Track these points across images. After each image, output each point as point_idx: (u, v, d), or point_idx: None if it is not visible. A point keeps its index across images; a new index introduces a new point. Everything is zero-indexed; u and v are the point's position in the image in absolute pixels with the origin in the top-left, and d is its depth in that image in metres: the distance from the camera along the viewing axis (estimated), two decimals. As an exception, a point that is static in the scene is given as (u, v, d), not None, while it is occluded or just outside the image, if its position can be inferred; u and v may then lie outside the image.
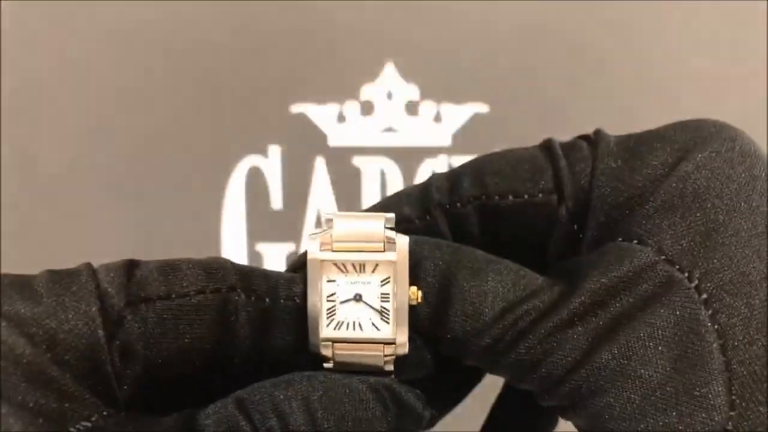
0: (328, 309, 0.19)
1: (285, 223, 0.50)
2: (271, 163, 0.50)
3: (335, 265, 0.19)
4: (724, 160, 0.19)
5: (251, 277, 0.19)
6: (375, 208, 0.23)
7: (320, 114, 0.50)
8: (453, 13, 0.50)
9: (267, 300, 0.19)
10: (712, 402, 0.17)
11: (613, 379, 0.18)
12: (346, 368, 0.19)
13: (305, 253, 0.19)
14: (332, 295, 0.19)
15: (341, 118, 0.50)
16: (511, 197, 0.21)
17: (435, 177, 0.22)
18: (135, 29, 0.48)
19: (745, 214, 0.19)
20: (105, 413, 0.17)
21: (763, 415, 0.17)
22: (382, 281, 0.19)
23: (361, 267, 0.19)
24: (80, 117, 0.49)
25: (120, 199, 0.49)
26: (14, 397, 0.16)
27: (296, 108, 0.50)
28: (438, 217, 0.22)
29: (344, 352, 0.19)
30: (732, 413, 0.17)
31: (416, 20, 0.50)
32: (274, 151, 0.50)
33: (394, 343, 0.19)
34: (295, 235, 0.50)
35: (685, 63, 0.50)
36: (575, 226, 0.21)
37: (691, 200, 0.19)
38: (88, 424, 0.17)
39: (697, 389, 0.17)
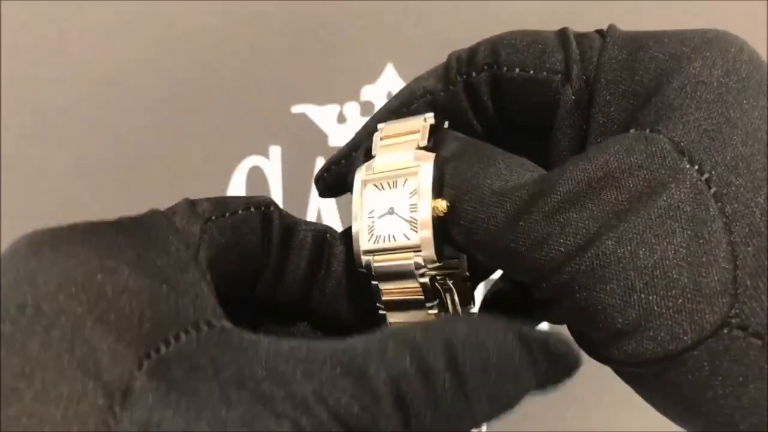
0: (369, 225, 0.21)
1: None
2: (272, 163, 0.50)
3: (374, 185, 0.21)
4: (735, 59, 0.19)
5: (281, 209, 0.22)
6: (404, 91, 0.24)
7: (321, 114, 0.50)
8: (453, 14, 0.50)
9: (291, 223, 0.22)
10: (715, 290, 0.17)
11: (616, 266, 0.18)
12: (385, 278, 0.21)
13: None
14: (372, 212, 0.21)
15: (341, 118, 0.50)
16: (517, 70, 0.21)
17: (454, 51, 0.23)
18: (135, 29, 0.48)
19: (756, 112, 0.18)
20: (212, 320, 0.17)
21: (765, 306, 0.17)
22: (410, 193, 0.21)
23: (393, 183, 0.21)
24: (80, 117, 0.49)
25: (121, 199, 0.49)
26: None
27: (297, 108, 0.50)
28: (459, 86, 0.22)
29: (380, 264, 0.21)
30: (735, 303, 0.17)
31: (416, 21, 0.50)
32: (275, 151, 0.50)
33: (420, 250, 0.20)
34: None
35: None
36: (580, 114, 0.21)
37: (703, 94, 0.19)
38: (215, 320, 0.16)
39: (702, 277, 0.17)
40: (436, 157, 0.21)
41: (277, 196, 0.50)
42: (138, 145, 0.49)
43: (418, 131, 0.22)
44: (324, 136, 0.50)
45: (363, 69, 0.50)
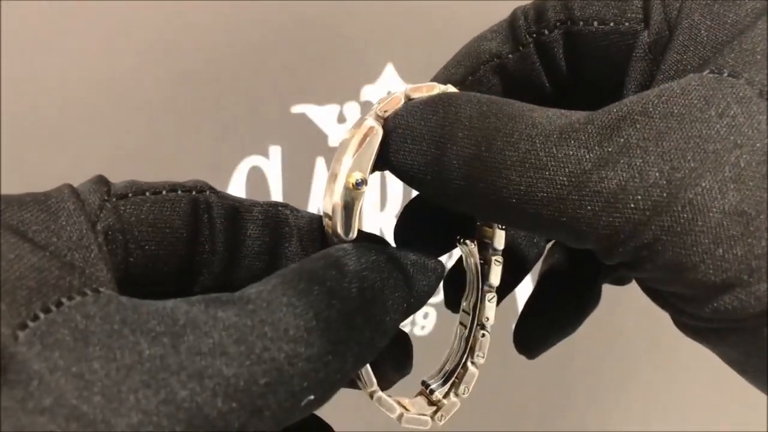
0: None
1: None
2: (272, 163, 0.50)
3: None
4: None
5: (222, 193, 0.21)
6: (458, 58, 0.22)
7: (321, 114, 0.50)
8: (453, 14, 0.50)
9: (237, 203, 0.21)
10: None
11: (706, 218, 0.16)
12: None
13: None
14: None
15: (341, 118, 0.50)
16: (596, 23, 0.20)
17: (518, 8, 0.21)
18: (135, 29, 0.48)
19: None
20: (101, 289, 0.17)
21: None
22: None
23: None
24: (80, 117, 0.49)
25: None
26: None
27: (297, 108, 0.50)
28: (530, 47, 0.21)
29: None
30: None
31: (416, 21, 0.50)
32: (275, 151, 0.50)
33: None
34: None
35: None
36: (652, 60, 0.19)
37: None
38: (103, 289, 0.16)
39: None
40: None
41: (277, 196, 0.50)
42: (137, 144, 0.49)
43: None
44: (324, 136, 0.50)
45: (363, 69, 0.50)
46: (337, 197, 0.20)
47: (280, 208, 0.21)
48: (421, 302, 0.19)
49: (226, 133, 0.50)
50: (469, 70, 0.22)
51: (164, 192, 0.20)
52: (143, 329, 0.15)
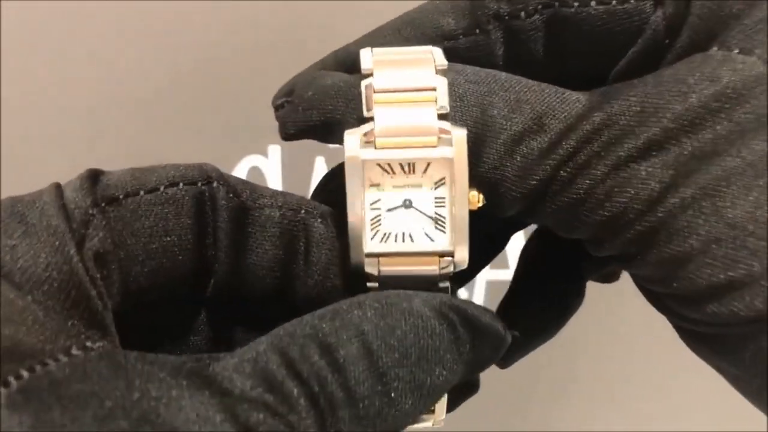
0: (373, 219, 0.16)
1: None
2: (272, 162, 0.50)
3: (379, 165, 0.16)
4: None
5: (237, 181, 0.17)
6: (397, 25, 0.18)
7: (320, 114, 0.50)
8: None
9: (248, 201, 0.17)
10: None
11: (699, 219, 0.15)
12: (394, 286, 0.16)
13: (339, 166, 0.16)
14: (376, 202, 0.16)
15: (341, 118, 0.50)
16: (594, 3, 0.17)
17: None
18: (134, 29, 0.48)
19: None
20: (88, 344, 0.14)
21: None
22: (436, 183, 0.16)
23: (410, 167, 0.16)
24: (79, 117, 0.49)
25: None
26: None
27: (296, 108, 0.50)
28: (492, 32, 0.17)
29: (392, 268, 0.16)
30: None
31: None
32: (274, 150, 0.50)
33: (452, 256, 0.16)
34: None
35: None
36: (660, 44, 0.17)
37: None
38: (65, 359, 0.13)
39: None
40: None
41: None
42: (136, 144, 0.49)
43: (433, 88, 0.16)
44: (323, 136, 0.50)
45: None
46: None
47: (302, 213, 0.17)
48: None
49: (225, 132, 0.50)
50: (412, 50, 0.18)
51: (162, 188, 0.16)
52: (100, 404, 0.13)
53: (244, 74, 0.49)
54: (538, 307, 0.22)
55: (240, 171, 0.50)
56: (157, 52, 0.49)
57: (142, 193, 0.16)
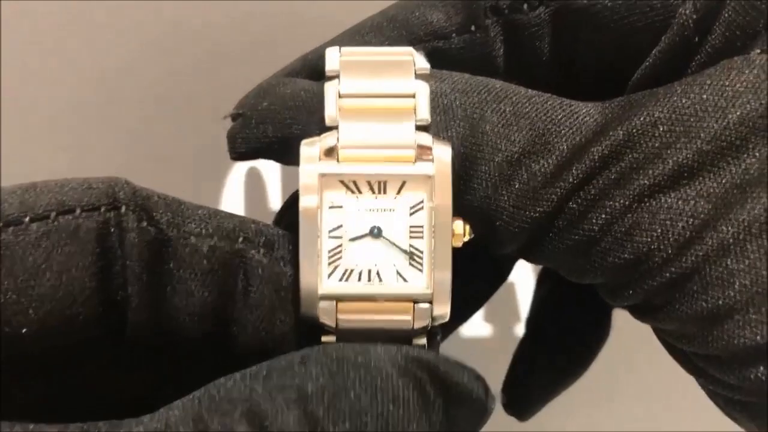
0: (332, 250, 0.13)
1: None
2: (270, 163, 0.50)
3: (342, 182, 0.13)
4: None
5: (157, 202, 0.13)
6: (378, 22, 0.16)
7: (319, 115, 0.50)
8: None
9: (169, 229, 0.13)
10: None
11: (741, 265, 0.12)
12: (355, 339, 0.12)
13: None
14: (337, 228, 0.13)
15: (340, 119, 0.50)
16: None
17: None
18: (134, 29, 0.48)
19: None
20: None
21: None
22: (412, 208, 0.13)
23: (381, 186, 0.13)
24: (79, 117, 0.49)
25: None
26: None
27: (295, 108, 0.50)
28: (490, 28, 0.15)
29: (353, 317, 0.13)
30: None
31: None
32: (274, 151, 0.50)
33: (430, 302, 0.13)
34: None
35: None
36: (696, 38, 0.14)
37: None
38: None
39: None
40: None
41: (275, 197, 0.50)
42: (134, 144, 0.49)
43: (411, 95, 0.13)
44: (323, 137, 0.50)
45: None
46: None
47: (239, 242, 0.14)
48: None
49: (223, 133, 0.49)
50: (391, 43, 0.15)
51: (53, 215, 0.12)
52: None
53: (244, 75, 0.49)
54: (562, 353, 0.19)
55: (238, 173, 0.50)
56: (156, 53, 0.49)
57: (26, 221, 0.13)
